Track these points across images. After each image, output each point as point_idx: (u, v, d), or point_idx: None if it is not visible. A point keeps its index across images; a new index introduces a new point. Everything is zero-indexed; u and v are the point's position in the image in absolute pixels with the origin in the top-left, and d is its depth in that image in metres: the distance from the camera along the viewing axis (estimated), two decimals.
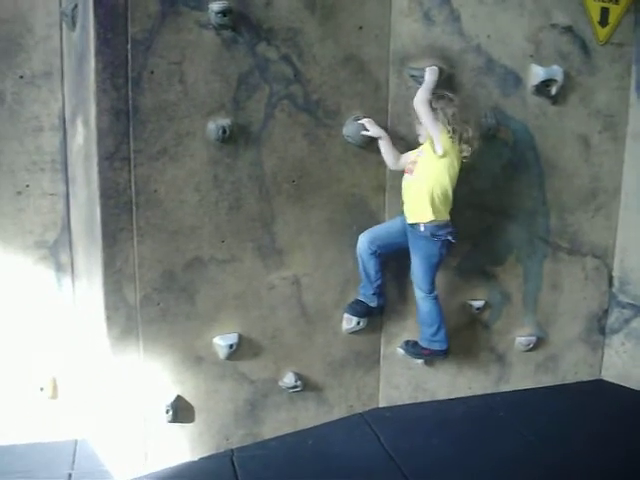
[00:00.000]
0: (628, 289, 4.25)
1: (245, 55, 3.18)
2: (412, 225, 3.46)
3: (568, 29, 3.86)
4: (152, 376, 3.22)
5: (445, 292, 3.85)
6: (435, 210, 3.39)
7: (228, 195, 3.26)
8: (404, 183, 3.50)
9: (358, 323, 3.67)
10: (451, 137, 3.35)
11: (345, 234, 3.56)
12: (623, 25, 3.98)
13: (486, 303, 3.98)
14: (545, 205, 4.02)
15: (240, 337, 3.38)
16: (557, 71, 3.80)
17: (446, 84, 3.59)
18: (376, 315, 3.72)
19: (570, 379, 4.33)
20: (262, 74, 3.24)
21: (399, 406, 3.94)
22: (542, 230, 4.05)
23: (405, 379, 3.95)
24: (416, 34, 3.57)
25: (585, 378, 4.36)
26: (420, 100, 3.36)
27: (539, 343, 4.17)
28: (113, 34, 2.90)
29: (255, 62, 3.21)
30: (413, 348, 3.72)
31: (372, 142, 3.51)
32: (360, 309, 3.63)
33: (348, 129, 3.47)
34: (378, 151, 3.53)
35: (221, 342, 3.33)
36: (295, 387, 3.58)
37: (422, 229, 3.43)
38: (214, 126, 3.13)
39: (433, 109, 3.36)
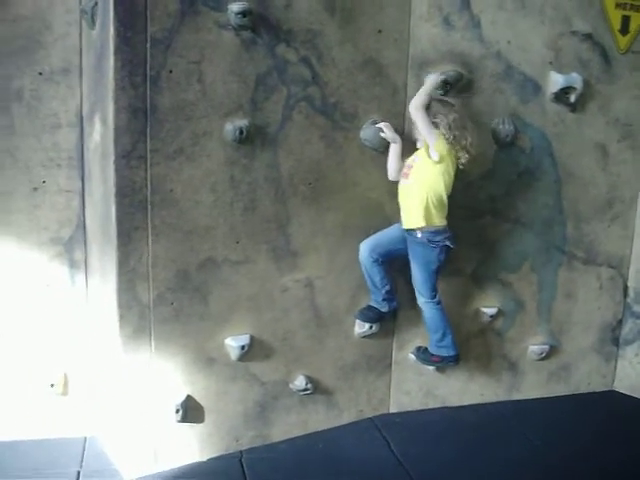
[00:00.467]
0: None
1: (264, 56, 3.18)
2: (409, 231, 3.44)
3: (588, 37, 3.83)
4: (163, 375, 3.22)
5: (458, 298, 3.84)
6: (430, 216, 3.37)
7: (243, 196, 3.26)
8: (400, 188, 3.48)
9: (370, 327, 3.66)
10: (450, 143, 3.33)
11: (360, 238, 3.54)
12: None
13: (499, 311, 3.96)
14: (562, 214, 3.99)
15: (252, 338, 3.38)
16: (576, 79, 3.78)
17: (465, 89, 3.59)
18: (388, 320, 3.71)
19: (582, 389, 4.30)
20: (280, 75, 3.23)
21: (409, 412, 3.92)
22: (558, 239, 4.02)
23: (416, 385, 3.93)
24: (435, 39, 3.56)
25: (598, 389, 4.33)
26: (415, 105, 3.33)
27: (552, 352, 4.14)
28: (133, 32, 2.90)
29: (274, 63, 3.21)
30: (424, 354, 3.70)
31: (389, 147, 3.49)
32: (372, 315, 3.60)
33: (365, 133, 3.46)
34: None
35: (233, 343, 3.32)
36: (306, 390, 3.57)
37: (419, 235, 3.41)
38: (231, 127, 3.13)
39: (434, 115, 3.34)
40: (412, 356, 3.78)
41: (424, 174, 3.37)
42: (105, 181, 3.09)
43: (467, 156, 3.37)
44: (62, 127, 3.36)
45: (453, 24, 3.57)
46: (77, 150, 3.40)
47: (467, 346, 3.92)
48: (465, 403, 4.03)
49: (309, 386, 3.57)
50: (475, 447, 3.58)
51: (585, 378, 4.29)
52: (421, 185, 3.36)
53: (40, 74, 3.29)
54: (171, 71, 3.00)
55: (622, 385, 4.34)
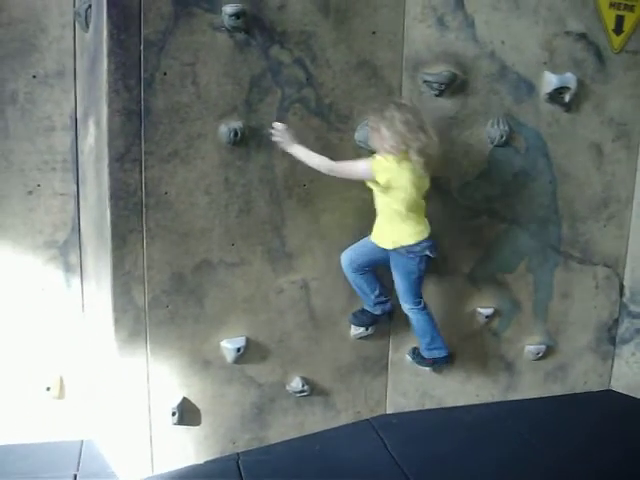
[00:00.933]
0: (639, 299, 4.22)
1: (258, 58, 3.18)
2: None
3: (582, 36, 3.83)
4: (159, 378, 3.22)
5: (454, 299, 3.85)
6: (400, 237, 3.29)
7: (238, 198, 3.26)
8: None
9: (366, 329, 3.66)
10: (400, 150, 3.14)
11: (355, 239, 3.53)
12: (638, 33, 3.94)
13: (496, 311, 3.96)
14: (557, 213, 3.99)
15: (248, 341, 3.37)
16: (571, 78, 3.78)
17: (459, 90, 3.60)
18: (384, 321, 3.70)
19: (579, 389, 4.30)
20: (274, 77, 3.23)
21: (406, 413, 3.92)
22: (554, 239, 4.03)
23: (413, 386, 3.93)
24: (430, 40, 3.56)
25: (594, 388, 4.33)
26: (328, 168, 3.21)
27: (548, 352, 4.14)
28: (126, 35, 2.90)
29: (268, 65, 3.20)
30: (418, 357, 3.69)
31: None
32: (365, 319, 3.58)
33: (360, 134, 3.45)
34: None
35: (229, 345, 3.32)
36: (302, 392, 3.57)
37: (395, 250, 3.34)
38: (226, 129, 3.12)
39: (379, 128, 3.17)
40: (408, 357, 3.78)
41: (378, 197, 3.32)
42: (100, 184, 3.09)
43: (420, 159, 3.15)
44: (56, 130, 3.35)
45: (447, 25, 3.57)
46: (72, 153, 3.39)
47: (463, 346, 3.93)
48: (462, 403, 4.03)
49: (305, 388, 3.57)
50: (472, 447, 3.58)
51: (582, 378, 4.29)
52: (381, 208, 3.32)
53: (34, 77, 3.28)
54: (165, 73, 3.00)
55: (619, 384, 4.34)
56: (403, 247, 3.30)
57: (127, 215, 3.03)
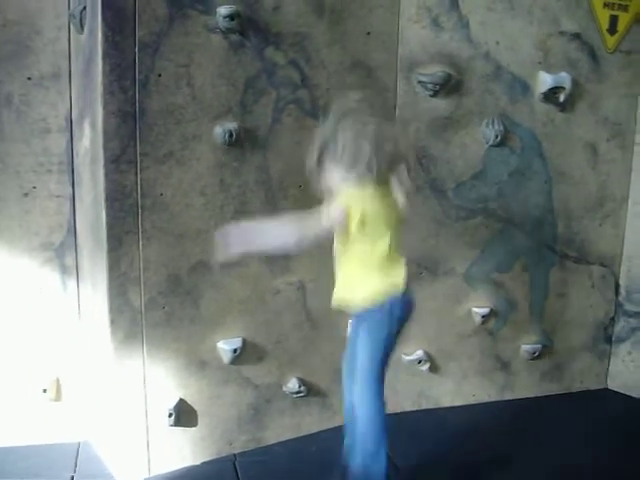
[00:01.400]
0: (635, 298, 4.22)
1: (252, 59, 3.18)
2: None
3: (576, 36, 3.84)
4: (155, 380, 3.22)
5: (450, 299, 3.85)
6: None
7: (234, 199, 3.26)
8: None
9: None
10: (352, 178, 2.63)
11: None
12: (632, 33, 3.96)
13: (492, 310, 3.96)
14: (552, 213, 4.00)
15: (244, 342, 3.37)
16: (565, 78, 3.79)
17: (454, 90, 3.61)
18: None
19: (576, 388, 4.30)
20: (269, 78, 3.23)
21: (402, 412, 3.92)
22: (549, 238, 4.03)
23: (409, 386, 3.93)
24: (424, 40, 3.57)
25: (591, 387, 4.34)
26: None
27: (545, 351, 4.14)
28: (121, 37, 2.90)
29: (262, 66, 3.21)
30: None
31: None
32: None
33: None
34: None
35: (225, 346, 3.32)
36: (299, 392, 3.57)
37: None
38: (221, 130, 3.13)
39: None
40: None
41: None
42: (95, 186, 3.09)
43: (375, 176, 2.58)
44: (52, 132, 3.35)
45: (442, 25, 3.58)
46: (67, 155, 3.39)
47: (459, 347, 3.93)
48: (458, 403, 4.04)
49: (302, 389, 3.57)
50: (470, 447, 3.58)
51: (578, 377, 4.30)
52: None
53: (29, 79, 3.28)
54: (160, 75, 3.00)
55: (615, 383, 4.35)
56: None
57: (123, 217, 3.03)
